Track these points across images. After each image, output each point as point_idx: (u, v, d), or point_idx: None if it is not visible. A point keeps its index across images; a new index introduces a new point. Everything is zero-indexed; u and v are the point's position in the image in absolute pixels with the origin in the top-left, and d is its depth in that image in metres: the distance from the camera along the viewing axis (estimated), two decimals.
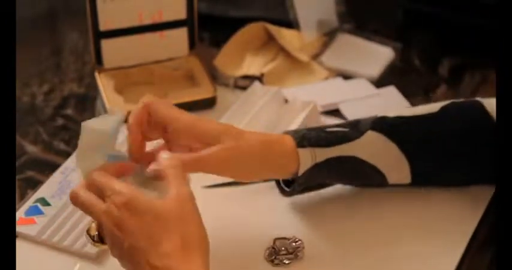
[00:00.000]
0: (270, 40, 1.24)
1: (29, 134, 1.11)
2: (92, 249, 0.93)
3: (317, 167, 0.92)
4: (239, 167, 0.90)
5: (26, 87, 1.19)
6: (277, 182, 0.98)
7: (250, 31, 1.23)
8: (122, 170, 0.86)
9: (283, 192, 0.97)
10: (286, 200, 1.00)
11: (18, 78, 1.16)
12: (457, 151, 0.95)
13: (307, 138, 0.92)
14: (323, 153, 0.92)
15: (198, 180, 1.02)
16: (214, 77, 1.18)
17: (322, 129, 0.95)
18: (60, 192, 0.99)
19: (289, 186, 0.96)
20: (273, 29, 1.23)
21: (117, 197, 0.80)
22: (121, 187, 0.81)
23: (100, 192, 0.82)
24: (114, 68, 1.16)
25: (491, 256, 0.95)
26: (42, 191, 1.00)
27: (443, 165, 0.96)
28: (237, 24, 1.23)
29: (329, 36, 1.26)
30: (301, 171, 0.92)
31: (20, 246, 0.94)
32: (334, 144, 0.93)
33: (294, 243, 0.94)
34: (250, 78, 1.17)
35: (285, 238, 0.94)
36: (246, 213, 0.99)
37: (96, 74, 1.16)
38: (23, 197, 1.01)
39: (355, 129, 0.95)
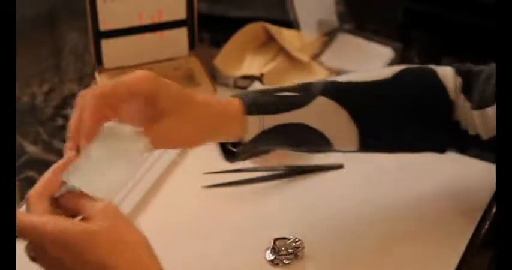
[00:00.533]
0: (270, 40, 1.24)
1: (29, 134, 1.11)
2: None
3: (264, 134, 0.89)
4: (183, 132, 0.86)
5: (26, 87, 1.19)
6: (221, 145, 0.92)
7: (250, 31, 1.23)
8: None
9: (227, 157, 0.92)
10: (286, 200, 1.00)
11: (18, 78, 1.16)
12: (407, 119, 0.93)
13: (256, 103, 0.88)
14: (271, 120, 0.89)
15: (198, 180, 1.02)
16: (214, 77, 1.18)
17: (272, 92, 0.90)
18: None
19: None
20: (273, 29, 1.23)
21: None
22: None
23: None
24: (114, 68, 1.16)
25: (491, 256, 0.95)
26: None
27: (393, 133, 0.94)
28: (237, 24, 1.23)
29: (329, 36, 1.26)
30: (247, 138, 0.88)
31: (20, 246, 0.94)
32: (283, 110, 0.89)
33: (294, 243, 0.94)
34: (250, 78, 1.17)
35: (285, 238, 0.94)
36: (246, 213, 0.99)
37: (96, 74, 1.16)
38: (23, 197, 1.00)
39: (305, 93, 0.91)
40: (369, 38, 1.26)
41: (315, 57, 1.23)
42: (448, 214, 0.98)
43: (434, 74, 0.94)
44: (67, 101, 1.17)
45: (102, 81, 1.14)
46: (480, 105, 0.91)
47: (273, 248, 0.93)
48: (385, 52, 1.24)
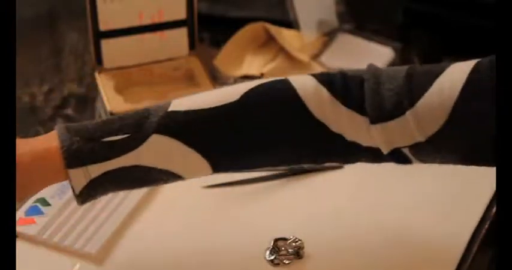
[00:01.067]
0: (270, 40, 1.24)
1: (29, 134, 1.11)
2: (92, 249, 0.93)
3: (95, 182, 0.82)
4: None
5: (26, 87, 1.19)
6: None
7: (250, 31, 1.23)
8: None
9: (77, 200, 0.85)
10: (286, 200, 1.00)
11: (18, 78, 1.16)
12: (265, 140, 0.84)
13: (78, 155, 0.81)
14: (98, 168, 0.82)
15: (198, 180, 1.02)
16: (214, 77, 1.18)
17: (100, 138, 0.82)
18: (60, 192, 0.99)
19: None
20: (273, 29, 1.23)
21: None
22: None
23: None
24: (114, 68, 1.16)
25: (491, 256, 0.95)
26: (42, 191, 1.00)
27: (249, 156, 0.85)
28: (237, 24, 1.23)
29: (329, 36, 1.26)
30: (77, 191, 0.83)
31: (20, 246, 0.94)
32: (111, 157, 0.82)
33: (294, 243, 0.94)
34: (250, 78, 1.17)
35: (285, 238, 0.94)
36: (246, 213, 0.99)
37: (96, 74, 1.16)
38: None
39: (137, 133, 0.82)
40: (369, 38, 1.26)
41: (315, 57, 1.23)
42: (448, 214, 0.98)
43: (288, 84, 0.84)
44: (67, 101, 1.17)
45: (102, 81, 1.14)
46: (380, 118, 0.82)
47: (273, 248, 0.93)
48: (385, 52, 1.24)
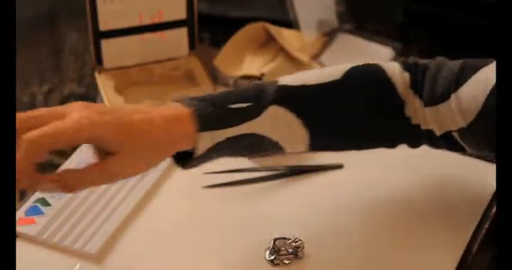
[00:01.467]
0: (270, 40, 1.24)
1: None
2: (92, 249, 0.93)
3: (216, 146, 0.88)
4: (136, 165, 0.85)
5: (26, 87, 1.19)
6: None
7: (250, 31, 1.23)
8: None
9: (179, 164, 0.90)
10: (286, 200, 1.00)
11: (18, 78, 1.16)
12: (358, 119, 0.92)
13: (207, 119, 0.86)
14: (222, 134, 0.87)
15: (198, 180, 1.02)
16: (214, 77, 1.18)
17: (224, 104, 0.88)
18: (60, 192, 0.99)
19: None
20: (273, 29, 1.23)
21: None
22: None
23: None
24: (114, 68, 1.16)
25: (491, 256, 0.95)
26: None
27: (344, 134, 0.92)
28: (237, 24, 1.23)
29: (329, 36, 1.26)
30: (198, 153, 0.87)
31: (20, 246, 0.94)
32: (235, 124, 0.88)
33: (294, 243, 0.94)
34: (250, 78, 1.17)
35: (285, 238, 0.94)
36: (246, 213, 0.99)
37: (96, 74, 1.16)
38: (23, 197, 1.01)
39: (257, 103, 0.89)
40: (369, 38, 1.26)
41: (315, 57, 1.23)
42: (448, 214, 0.98)
43: (382, 71, 0.92)
44: (67, 101, 1.17)
45: (102, 81, 1.14)
46: (431, 102, 0.91)
47: (273, 248, 0.93)
48: (385, 52, 1.24)
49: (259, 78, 1.17)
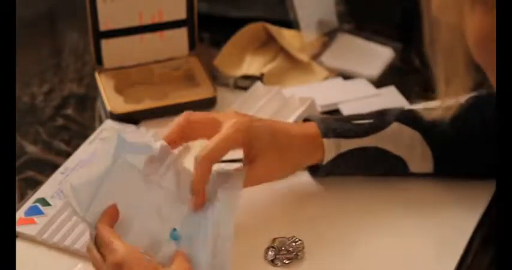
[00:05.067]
0: (270, 40, 1.24)
1: (29, 134, 1.11)
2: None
3: (340, 157, 0.96)
4: (275, 169, 0.96)
5: (26, 87, 1.19)
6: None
7: (250, 31, 1.23)
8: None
9: (310, 173, 1.01)
10: (286, 200, 1.00)
11: (18, 78, 1.16)
12: (479, 143, 0.96)
13: (332, 128, 0.96)
14: (347, 143, 0.96)
15: None
16: (214, 77, 1.18)
17: (348, 121, 0.98)
18: (60, 192, 0.99)
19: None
20: (273, 29, 1.23)
21: (110, 257, 0.82)
22: (117, 246, 0.82)
23: (102, 247, 0.84)
24: (114, 68, 1.16)
25: (491, 256, 0.95)
26: (42, 191, 1.00)
27: (468, 155, 0.97)
28: (237, 24, 1.23)
29: (329, 36, 1.26)
30: (325, 160, 0.96)
31: (20, 246, 0.94)
32: (359, 136, 0.96)
33: (294, 243, 0.94)
34: (251, 78, 1.17)
35: (285, 238, 0.94)
36: (246, 213, 0.99)
37: (96, 74, 1.16)
38: (23, 197, 1.01)
39: (380, 120, 0.97)
40: (369, 38, 1.26)
41: (315, 57, 1.22)
42: (448, 214, 0.98)
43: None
44: (67, 101, 1.17)
45: (102, 81, 1.14)
46: None
47: (273, 248, 0.93)
48: (385, 52, 1.24)
49: (259, 78, 1.17)
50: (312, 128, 0.97)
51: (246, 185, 0.93)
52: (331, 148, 0.96)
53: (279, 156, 0.95)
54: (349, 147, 0.96)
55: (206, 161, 0.91)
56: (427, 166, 0.98)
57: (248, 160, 0.94)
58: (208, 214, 0.90)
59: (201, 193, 0.91)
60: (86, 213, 0.85)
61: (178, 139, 0.93)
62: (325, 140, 0.96)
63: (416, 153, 0.97)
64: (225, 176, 0.93)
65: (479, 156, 0.98)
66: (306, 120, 1.00)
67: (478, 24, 0.70)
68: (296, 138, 0.95)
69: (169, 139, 0.92)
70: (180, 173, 0.92)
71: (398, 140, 0.97)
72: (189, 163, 0.93)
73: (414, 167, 0.98)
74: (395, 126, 0.97)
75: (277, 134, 0.94)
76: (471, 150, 0.97)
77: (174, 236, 0.89)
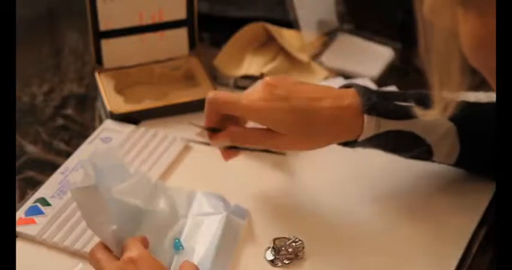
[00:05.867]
0: (270, 40, 1.24)
1: (29, 134, 1.11)
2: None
3: (376, 137, 0.95)
4: (309, 141, 0.95)
5: (26, 87, 1.19)
6: None
7: (250, 31, 1.23)
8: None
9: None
10: (286, 200, 1.00)
11: (18, 78, 1.16)
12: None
13: (375, 107, 0.94)
14: (386, 124, 0.95)
15: (198, 181, 1.02)
16: (214, 77, 1.18)
17: (391, 100, 0.96)
18: (60, 192, 0.99)
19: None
20: (273, 29, 1.23)
21: (127, 253, 0.84)
22: (138, 246, 0.85)
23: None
24: (114, 68, 1.16)
25: (491, 256, 0.95)
26: (42, 191, 1.00)
27: (490, 153, 0.95)
28: (237, 24, 1.23)
29: (329, 36, 1.26)
30: (362, 138, 0.95)
31: (20, 246, 0.94)
32: (399, 118, 0.95)
33: (294, 243, 0.94)
34: (250, 78, 1.17)
35: (285, 238, 0.94)
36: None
37: (96, 74, 1.16)
38: (23, 197, 1.01)
39: (420, 105, 0.94)
40: (369, 38, 1.26)
41: (315, 57, 1.22)
42: (448, 214, 0.98)
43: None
44: (67, 101, 1.17)
45: (102, 81, 1.14)
46: None
47: (273, 248, 0.93)
48: (385, 52, 1.24)
49: (259, 78, 1.17)
50: (351, 98, 0.95)
51: (260, 146, 0.98)
52: (371, 126, 0.94)
53: (305, 134, 0.94)
54: (387, 128, 0.95)
55: (214, 105, 0.94)
56: (451, 158, 0.98)
57: (271, 132, 0.94)
58: (211, 230, 0.93)
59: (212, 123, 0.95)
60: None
61: (219, 124, 0.96)
62: (366, 117, 0.94)
63: (447, 144, 0.96)
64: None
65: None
66: (344, 87, 0.98)
67: (472, 29, 0.70)
68: (330, 112, 0.93)
69: (210, 125, 0.96)
70: (169, 195, 0.95)
71: (434, 129, 0.96)
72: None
73: (439, 157, 0.98)
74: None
75: (302, 114, 0.93)
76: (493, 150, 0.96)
77: (177, 246, 0.90)
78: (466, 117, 0.94)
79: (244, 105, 0.94)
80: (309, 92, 0.95)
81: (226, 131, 0.95)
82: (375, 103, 0.94)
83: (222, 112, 0.96)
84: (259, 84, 0.95)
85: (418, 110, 0.94)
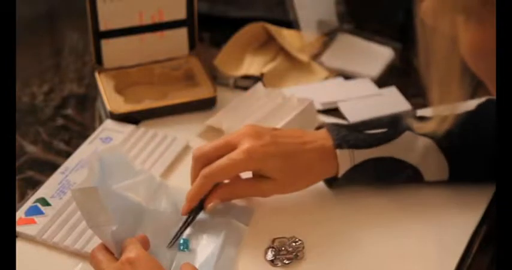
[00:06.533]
0: (270, 40, 1.24)
1: (29, 134, 1.11)
2: (92, 249, 0.93)
3: (355, 169, 0.96)
4: (290, 185, 0.97)
5: (26, 87, 1.19)
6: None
7: (250, 31, 1.23)
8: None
9: (326, 184, 1.01)
10: (286, 200, 1.00)
11: (18, 78, 1.16)
12: (491, 149, 0.93)
13: (345, 140, 0.95)
14: (362, 154, 0.95)
15: None
16: (214, 77, 1.18)
17: (361, 130, 0.97)
18: (60, 192, 0.99)
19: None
20: (273, 29, 1.23)
21: (126, 254, 0.84)
22: (138, 247, 0.85)
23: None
24: (114, 68, 1.16)
25: (491, 256, 0.95)
26: (42, 191, 1.00)
27: (482, 161, 0.97)
28: (237, 24, 1.23)
29: (329, 36, 1.26)
30: (341, 173, 0.96)
31: (20, 246, 0.94)
32: (372, 145, 0.96)
33: (294, 243, 0.94)
34: (250, 78, 1.17)
35: (285, 238, 0.94)
36: None
37: (96, 74, 1.16)
38: (23, 197, 1.01)
39: (393, 129, 0.97)
40: (369, 38, 1.26)
41: (315, 57, 1.22)
42: (448, 214, 0.98)
43: None
44: (67, 101, 1.17)
45: (102, 81, 1.14)
46: None
47: (273, 248, 0.93)
48: (385, 52, 1.24)
49: (259, 78, 1.17)
50: (324, 137, 0.96)
51: (250, 196, 0.98)
52: (346, 159, 0.95)
53: (292, 177, 0.96)
54: (363, 157, 0.96)
55: (208, 180, 0.94)
56: (443, 174, 0.98)
57: (258, 177, 0.96)
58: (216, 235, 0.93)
59: (194, 201, 0.94)
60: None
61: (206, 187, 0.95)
62: (338, 151, 0.95)
63: (431, 161, 0.97)
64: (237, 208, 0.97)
65: (493, 161, 0.96)
66: (318, 128, 1.00)
67: (472, 36, 0.70)
68: (310, 156, 0.95)
69: (197, 194, 0.95)
70: (171, 195, 0.96)
71: (412, 149, 0.96)
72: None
73: (429, 175, 0.98)
74: (408, 135, 0.96)
75: (290, 158, 0.95)
76: (486, 155, 0.96)
77: (183, 246, 0.91)
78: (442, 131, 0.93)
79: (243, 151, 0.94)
80: (290, 137, 0.97)
81: (214, 192, 0.95)
82: (344, 136, 0.96)
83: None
84: (243, 132, 0.96)
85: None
